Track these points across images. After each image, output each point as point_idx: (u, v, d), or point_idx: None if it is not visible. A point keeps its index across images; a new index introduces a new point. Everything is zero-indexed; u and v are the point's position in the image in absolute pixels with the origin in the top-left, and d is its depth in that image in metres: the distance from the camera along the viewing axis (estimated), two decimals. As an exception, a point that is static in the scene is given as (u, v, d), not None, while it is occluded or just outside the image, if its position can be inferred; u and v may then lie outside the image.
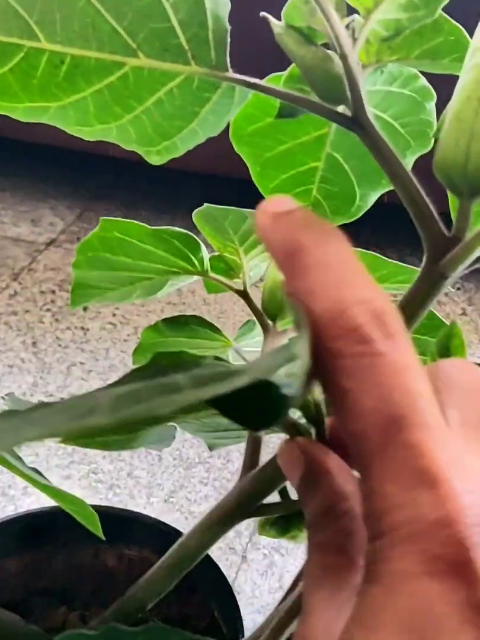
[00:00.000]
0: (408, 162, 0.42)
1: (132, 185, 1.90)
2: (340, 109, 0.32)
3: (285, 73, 0.38)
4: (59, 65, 0.33)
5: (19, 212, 1.79)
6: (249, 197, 0.47)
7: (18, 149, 1.86)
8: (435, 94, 0.40)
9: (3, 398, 0.49)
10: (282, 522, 0.42)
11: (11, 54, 0.33)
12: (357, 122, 0.31)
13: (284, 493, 0.42)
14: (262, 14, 0.34)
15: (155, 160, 0.39)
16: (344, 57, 0.30)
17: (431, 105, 0.40)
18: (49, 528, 0.54)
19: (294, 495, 0.42)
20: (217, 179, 1.61)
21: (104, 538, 0.41)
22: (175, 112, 0.36)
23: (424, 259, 0.31)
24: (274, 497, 0.40)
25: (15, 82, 0.35)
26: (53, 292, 1.45)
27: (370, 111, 0.31)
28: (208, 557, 0.58)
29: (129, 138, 0.37)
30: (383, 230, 1.64)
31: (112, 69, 0.34)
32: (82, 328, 1.32)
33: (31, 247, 1.63)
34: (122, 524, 0.55)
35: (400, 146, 0.41)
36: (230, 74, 0.33)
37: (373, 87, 0.39)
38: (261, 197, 0.47)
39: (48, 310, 1.38)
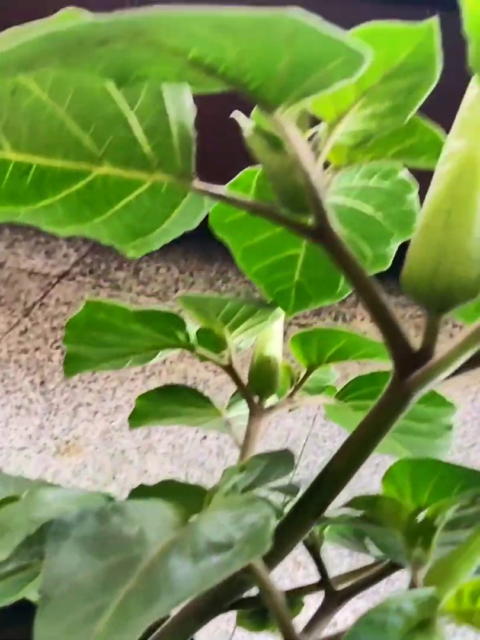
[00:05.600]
0: (392, 248, 0.42)
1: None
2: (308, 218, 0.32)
3: (260, 169, 0.37)
4: (25, 175, 0.33)
5: (35, 243, 1.80)
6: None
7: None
8: (417, 184, 0.39)
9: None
10: (259, 615, 0.41)
11: (-23, 163, 0.33)
12: (321, 236, 0.31)
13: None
14: (234, 113, 0.34)
15: (132, 254, 0.39)
16: (305, 174, 0.29)
17: (412, 196, 0.39)
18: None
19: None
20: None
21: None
22: (145, 215, 0.35)
23: (391, 374, 0.31)
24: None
25: (-17, 187, 0.34)
26: (64, 328, 1.45)
27: (337, 224, 0.31)
28: None
29: (102, 236, 0.37)
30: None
31: (78, 177, 0.33)
32: (92, 366, 1.32)
33: (44, 280, 1.64)
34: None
35: (383, 235, 0.41)
36: (196, 183, 0.32)
37: (350, 182, 0.38)
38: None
39: (58, 347, 1.38)
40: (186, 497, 0.34)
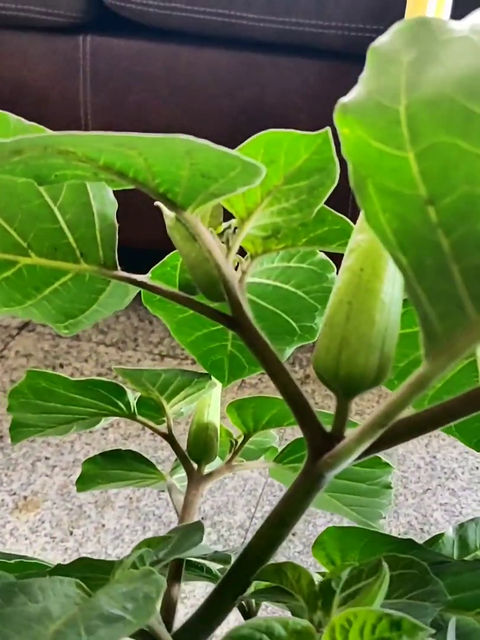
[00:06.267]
0: (317, 322, 0.43)
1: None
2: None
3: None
4: (-47, 264, 0.34)
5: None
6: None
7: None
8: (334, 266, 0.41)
9: None
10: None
11: None
12: (236, 324, 0.32)
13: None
14: (156, 204, 0.35)
15: (65, 332, 0.40)
16: (218, 267, 0.31)
17: (332, 274, 0.41)
18: None
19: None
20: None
21: None
22: (74, 298, 0.37)
23: (306, 456, 0.32)
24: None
25: None
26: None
27: (250, 312, 0.32)
28: None
29: (35, 316, 0.38)
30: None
31: (6, 266, 0.35)
32: (51, 418, 1.32)
33: (4, 332, 1.64)
34: None
35: (308, 309, 0.42)
36: (118, 272, 0.34)
37: (271, 265, 0.40)
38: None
39: (17, 400, 1.38)
40: (98, 572, 0.35)
